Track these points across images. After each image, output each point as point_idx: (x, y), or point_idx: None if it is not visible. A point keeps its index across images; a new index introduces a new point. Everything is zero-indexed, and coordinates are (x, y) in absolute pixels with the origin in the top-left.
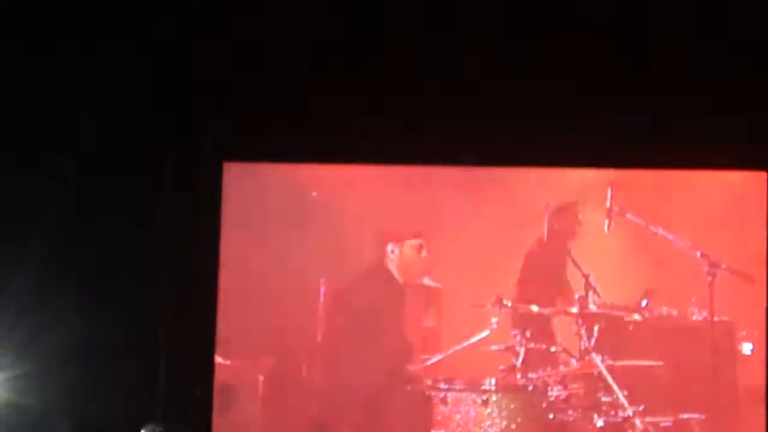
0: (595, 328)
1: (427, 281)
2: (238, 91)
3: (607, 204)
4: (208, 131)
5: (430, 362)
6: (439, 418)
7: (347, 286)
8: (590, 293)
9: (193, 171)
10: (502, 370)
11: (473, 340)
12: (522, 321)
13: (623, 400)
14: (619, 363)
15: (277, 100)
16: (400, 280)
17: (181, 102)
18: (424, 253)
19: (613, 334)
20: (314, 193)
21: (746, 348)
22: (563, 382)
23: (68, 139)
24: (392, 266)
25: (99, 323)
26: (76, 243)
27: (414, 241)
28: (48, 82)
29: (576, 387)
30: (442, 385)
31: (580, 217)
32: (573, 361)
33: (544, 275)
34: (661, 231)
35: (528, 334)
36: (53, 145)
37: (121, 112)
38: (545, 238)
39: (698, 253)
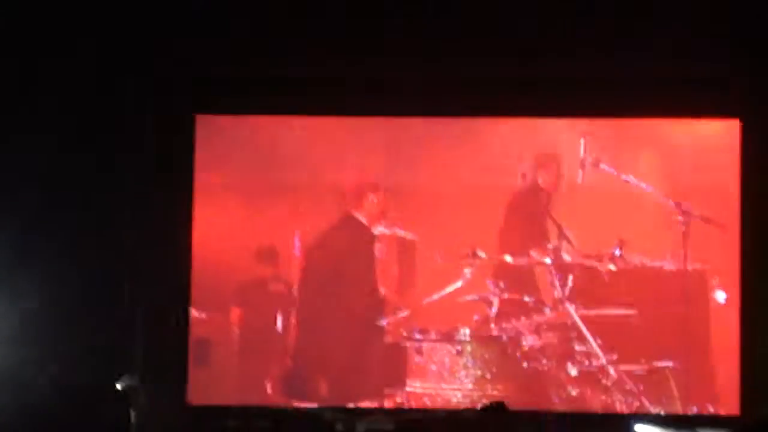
0: (569, 278)
1: (400, 233)
2: (209, 48)
3: (581, 155)
4: (181, 86)
5: (404, 313)
6: (414, 368)
7: (319, 238)
8: (563, 243)
9: (166, 125)
10: (477, 321)
11: (447, 290)
12: (495, 271)
13: (597, 349)
14: (592, 312)
15: (245, 56)
16: (371, 230)
17: (155, 58)
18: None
19: (587, 283)
20: (287, 146)
21: (720, 296)
22: (537, 331)
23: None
24: (361, 216)
25: (74, 279)
26: (50, 200)
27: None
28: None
29: (550, 336)
30: (417, 336)
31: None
32: (547, 310)
33: (526, 226)
34: (634, 180)
35: (502, 284)
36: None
37: (99, 68)
38: (524, 188)
39: (671, 203)
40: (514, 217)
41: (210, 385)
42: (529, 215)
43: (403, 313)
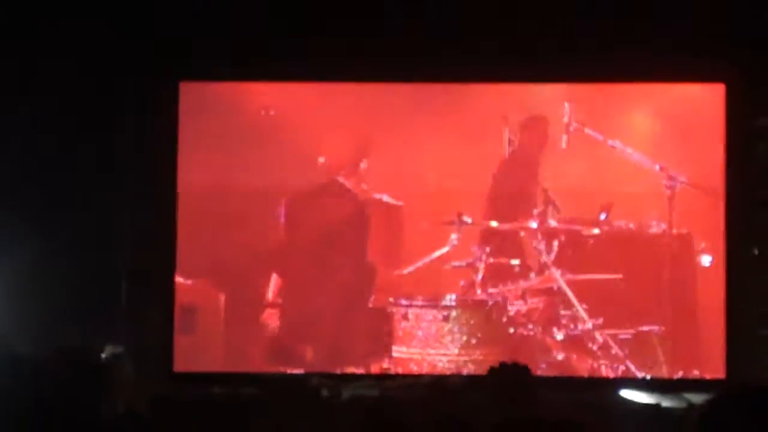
0: (555, 243)
1: (387, 198)
2: (192, 13)
3: (565, 119)
4: (164, 52)
5: (390, 279)
6: (400, 334)
7: (305, 204)
8: (549, 208)
9: (150, 92)
10: (463, 286)
11: (433, 256)
12: (482, 237)
13: (583, 314)
14: (578, 277)
15: (229, 21)
16: (358, 196)
17: (137, 24)
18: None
19: (573, 248)
20: (271, 112)
21: (705, 260)
22: (523, 296)
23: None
24: (348, 182)
25: (58, 246)
26: (35, 166)
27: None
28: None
29: (536, 301)
30: (403, 302)
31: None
32: (533, 275)
33: (513, 191)
34: (619, 145)
35: (488, 249)
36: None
37: (81, 36)
38: (510, 152)
39: (657, 167)
40: (500, 182)
41: (196, 352)
42: (515, 180)
43: (390, 279)
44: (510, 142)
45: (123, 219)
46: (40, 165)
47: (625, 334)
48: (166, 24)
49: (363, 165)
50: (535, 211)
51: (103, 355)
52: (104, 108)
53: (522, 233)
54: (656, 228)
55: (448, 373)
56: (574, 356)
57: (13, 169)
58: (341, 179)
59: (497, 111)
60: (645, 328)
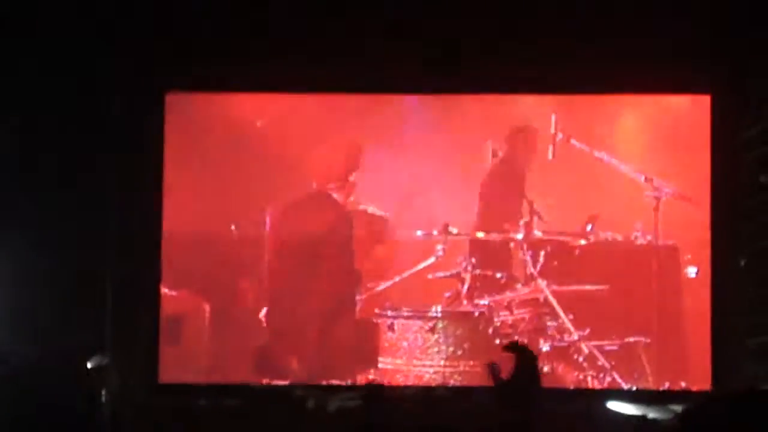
0: (541, 254)
1: (373, 209)
2: (180, 24)
3: (552, 130)
4: (150, 63)
5: (376, 290)
6: (386, 345)
7: (292, 215)
8: (535, 219)
9: (136, 102)
10: (448, 297)
11: (419, 267)
12: (468, 248)
13: (569, 325)
14: (564, 288)
15: (217, 32)
16: (345, 207)
17: (124, 35)
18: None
19: (559, 259)
20: (258, 123)
21: (691, 271)
22: (509, 307)
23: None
24: (335, 194)
25: (45, 258)
26: (21, 178)
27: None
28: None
29: (522, 312)
30: (389, 313)
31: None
32: (519, 286)
33: (499, 202)
34: (605, 156)
35: (474, 260)
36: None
37: (66, 47)
38: (499, 164)
39: (643, 178)
40: (486, 193)
41: (181, 363)
42: (502, 191)
43: (376, 290)
44: (495, 153)
45: (109, 231)
46: (26, 177)
47: (612, 345)
48: (154, 35)
49: (352, 178)
50: (522, 222)
51: (90, 366)
52: (91, 118)
53: (508, 244)
54: (642, 239)
55: (434, 384)
56: (561, 367)
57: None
58: (330, 191)
59: (484, 122)
60: (631, 339)
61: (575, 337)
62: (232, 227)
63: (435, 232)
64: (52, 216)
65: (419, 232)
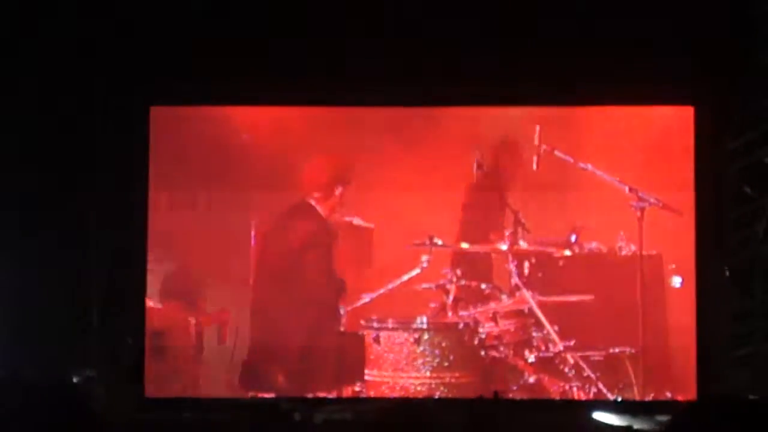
0: (526, 265)
1: (357, 221)
2: (164, 37)
3: (535, 142)
4: (135, 77)
5: (361, 302)
6: (371, 357)
7: (275, 228)
8: (519, 230)
9: (121, 116)
10: (434, 308)
11: (404, 278)
12: (453, 259)
13: (554, 336)
14: (549, 298)
15: (202, 45)
16: (328, 219)
17: (108, 48)
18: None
19: (544, 270)
20: (244, 136)
21: (675, 281)
22: (494, 318)
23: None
24: (318, 205)
25: (29, 268)
26: (4, 189)
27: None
28: None
29: (507, 323)
30: (375, 324)
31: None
32: (504, 297)
33: (483, 213)
34: (589, 167)
35: (459, 271)
36: None
37: (50, 62)
38: (480, 176)
39: (626, 189)
40: (470, 205)
41: (167, 377)
42: (486, 203)
43: (361, 302)
44: (479, 165)
45: (94, 244)
46: (10, 189)
47: (597, 355)
48: (137, 49)
49: (338, 191)
50: (506, 233)
51: (75, 380)
52: (75, 132)
53: (493, 255)
54: (626, 250)
55: (420, 396)
56: (546, 378)
57: None
58: (313, 202)
59: (468, 134)
60: (616, 350)
61: (561, 347)
62: (218, 239)
63: (421, 244)
64: (36, 233)
65: (405, 244)
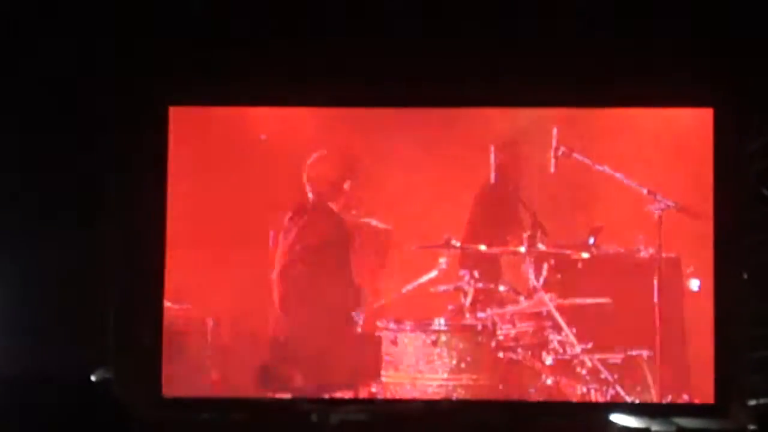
0: (544, 267)
1: (375, 223)
2: (182, 35)
3: (553, 144)
4: (153, 75)
5: (378, 303)
6: (388, 358)
7: (292, 229)
8: (537, 232)
9: (139, 116)
10: (451, 310)
11: (422, 280)
12: (470, 261)
13: (572, 338)
14: (567, 301)
15: (221, 44)
16: (345, 220)
17: (125, 46)
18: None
19: (562, 272)
20: (262, 136)
21: (693, 284)
22: (512, 321)
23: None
24: (335, 206)
25: (46, 269)
26: (19, 191)
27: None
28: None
29: (525, 326)
30: (392, 326)
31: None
32: (522, 299)
33: (495, 215)
34: (608, 170)
35: (476, 273)
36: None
37: (67, 61)
38: (492, 177)
39: (645, 191)
40: (486, 206)
41: (184, 377)
42: (502, 205)
43: (378, 304)
44: (497, 166)
45: (112, 243)
46: (28, 188)
47: (615, 358)
48: (155, 48)
49: (346, 185)
50: (524, 236)
51: (93, 379)
52: (93, 132)
53: (511, 257)
54: (645, 252)
55: (437, 398)
56: (564, 381)
57: (1, 192)
58: (327, 201)
59: (485, 135)
60: (634, 353)
61: (578, 350)
62: (236, 241)
63: (438, 246)
64: (54, 232)
65: (421, 246)
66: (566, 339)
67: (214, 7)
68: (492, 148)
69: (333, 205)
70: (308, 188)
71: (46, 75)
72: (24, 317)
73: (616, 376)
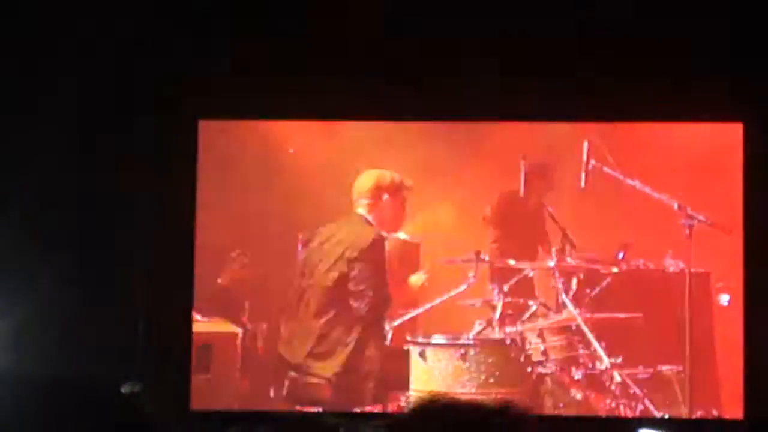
0: (573, 281)
1: (404, 236)
2: (213, 51)
3: (584, 158)
4: (184, 90)
5: (407, 317)
6: (417, 372)
7: (322, 238)
8: (567, 246)
9: (169, 130)
10: (480, 325)
11: (451, 294)
12: (499, 275)
13: (601, 353)
14: (596, 315)
15: (251, 59)
16: (380, 232)
17: (156, 62)
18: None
19: (591, 286)
20: (291, 150)
21: (723, 299)
22: (541, 335)
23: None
24: (371, 217)
25: (76, 282)
26: (52, 203)
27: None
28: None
29: (554, 340)
30: (420, 340)
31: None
32: (551, 314)
33: (524, 228)
34: (638, 184)
35: (505, 288)
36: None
37: (99, 72)
38: (522, 190)
39: (675, 206)
40: (517, 220)
41: (213, 390)
42: (533, 219)
43: (406, 317)
44: (527, 181)
45: (141, 256)
46: (59, 202)
47: (644, 373)
48: (185, 62)
49: (385, 197)
50: (554, 250)
51: (123, 391)
52: (123, 146)
53: (540, 271)
54: (674, 267)
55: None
56: (593, 395)
57: (32, 205)
58: (362, 212)
59: (516, 149)
60: (663, 368)
61: (607, 365)
62: (265, 254)
63: (468, 260)
64: (85, 246)
65: (451, 259)
66: (595, 354)
67: (243, 22)
68: (522, 162)
69: (368, 216)
70: (344, 202)
71: (84, 91)
72: (54, 327)
73: (645, 391)
